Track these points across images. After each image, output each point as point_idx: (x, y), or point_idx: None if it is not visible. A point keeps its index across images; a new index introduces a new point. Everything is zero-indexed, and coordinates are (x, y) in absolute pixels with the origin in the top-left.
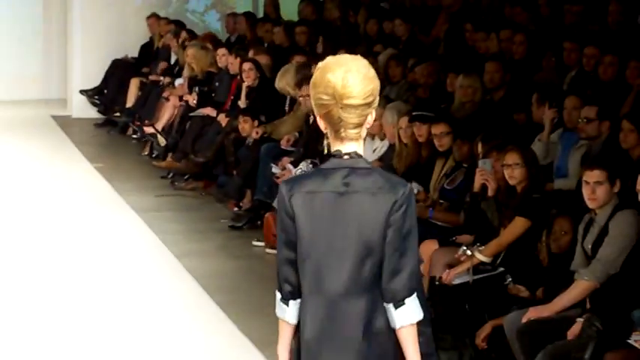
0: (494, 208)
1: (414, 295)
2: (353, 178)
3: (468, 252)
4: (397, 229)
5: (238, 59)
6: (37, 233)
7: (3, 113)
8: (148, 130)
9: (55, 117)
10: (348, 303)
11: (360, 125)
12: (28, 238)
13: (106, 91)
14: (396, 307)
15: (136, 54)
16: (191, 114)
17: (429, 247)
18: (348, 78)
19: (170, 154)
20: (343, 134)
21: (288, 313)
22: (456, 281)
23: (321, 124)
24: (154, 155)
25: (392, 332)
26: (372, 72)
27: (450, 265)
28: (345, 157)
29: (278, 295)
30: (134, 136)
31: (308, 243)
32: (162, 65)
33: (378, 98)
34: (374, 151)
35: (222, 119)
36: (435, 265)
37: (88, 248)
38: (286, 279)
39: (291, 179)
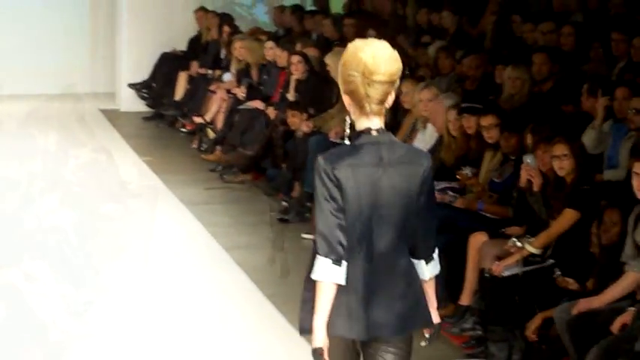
0: (541, 203)
1: (437, 250)
2: (384, 151)
3: (518, 244)
4: (427, 194)
5: (286, 52)
6: (89, 227)
7: (51, 106)
8: (197, 120)
9: (103, 110)
10: (394, 261)
11: (382, 102)
12: (81, 232)
13: (154, 84)
14: (427, 261)
15: (184, 47)
16: (239, 107)
17: (479, 239)
18: (377, 57)
19: (218, 147)
20: (368, 109)
21: (340, 274)
22: (506, 273)
23: (346, 100)
24: (202, 148)
25: (420, 283)
26: (396, 54)
27: (500, 257)
28: (374, 133)
29: (326, 261)
30: (182, 129)
31: (356, 211)
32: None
33: (399, 80)
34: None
35: (271, 112)
36: (484, 257)
37: (137, 241)
38: (339, 242)
39: (328, 155)
